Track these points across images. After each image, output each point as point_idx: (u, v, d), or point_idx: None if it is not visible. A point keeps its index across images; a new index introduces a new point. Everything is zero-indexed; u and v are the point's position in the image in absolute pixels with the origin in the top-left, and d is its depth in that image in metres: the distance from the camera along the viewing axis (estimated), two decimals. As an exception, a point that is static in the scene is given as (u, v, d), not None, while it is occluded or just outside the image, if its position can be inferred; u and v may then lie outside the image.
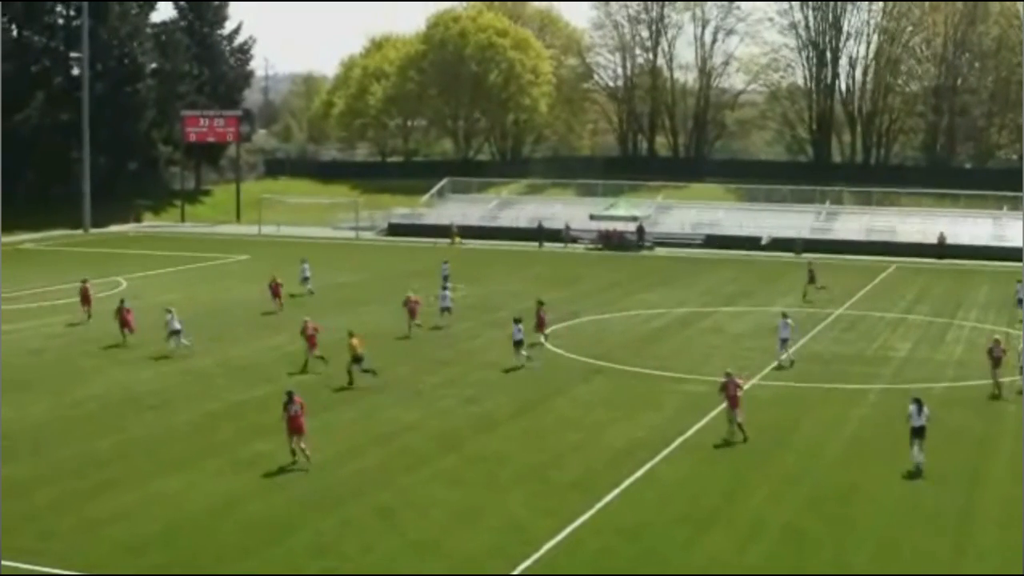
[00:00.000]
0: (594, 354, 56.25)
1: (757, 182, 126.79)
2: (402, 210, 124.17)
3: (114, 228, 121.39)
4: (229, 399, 47.33)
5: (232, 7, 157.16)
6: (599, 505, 34.44)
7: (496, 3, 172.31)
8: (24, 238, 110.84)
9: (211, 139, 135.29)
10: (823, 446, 40.97)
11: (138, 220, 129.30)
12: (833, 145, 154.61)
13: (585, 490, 35.71)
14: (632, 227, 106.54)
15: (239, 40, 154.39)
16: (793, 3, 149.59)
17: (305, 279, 76.62)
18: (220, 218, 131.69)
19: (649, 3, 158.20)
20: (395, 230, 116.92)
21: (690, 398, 47.76)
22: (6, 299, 69.83)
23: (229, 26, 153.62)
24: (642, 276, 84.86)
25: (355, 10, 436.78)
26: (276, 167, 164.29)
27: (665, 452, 39.72)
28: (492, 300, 73.93)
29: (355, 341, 50.34)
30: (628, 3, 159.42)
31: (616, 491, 35.65)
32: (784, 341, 54.83)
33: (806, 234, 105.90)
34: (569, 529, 32.58)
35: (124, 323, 59.02)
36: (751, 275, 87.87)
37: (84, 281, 68.21)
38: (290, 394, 39.25)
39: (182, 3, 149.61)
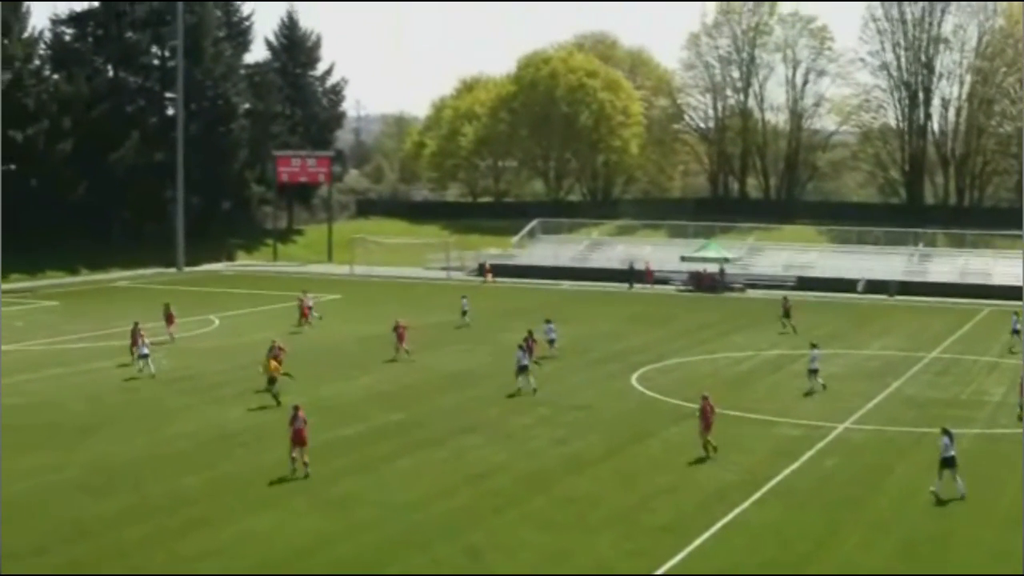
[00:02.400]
0: (685, 396, 55.99)
1: (849, 224, 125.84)
2: (493, 251, 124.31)
3: (207, 267, 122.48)
4: (318, 438, 47.35)
5: (325, 49, 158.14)
6: (689, 549, 34.23)
7: (587, 44, 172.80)
8: (118, 276, 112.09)
9: (303, 179, 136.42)
10: (917, 491, 40.37)
11: (231, 259, 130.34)
12: (926, 187, 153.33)
13: (675, 533, 35.52)
14: (724, 268, 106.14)
15: (331, 81, 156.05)
16: (884, 44, 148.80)
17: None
18: (312, 257, 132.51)
19: (740, 44, 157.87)
20: (486, 271, 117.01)
21: (781, 441, 47.45)
22: (100, 336, 70.48)
23: (321, 67, 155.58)
24: (733, 318, 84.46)
25: (446, 52, 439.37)
26: (367, 207, 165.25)
27: (756, 496, 39.42)
28: (583, 341, 73.78)
29: (274, 364, 54.80)
30: (719, 44, 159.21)
31: (706, 535, 35.41)
32: (814, 371, 57.76)
33: (899, 276, 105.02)
34: (659, 573, 32.41)
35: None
36: (843, 318, 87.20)
37: (167, 305, 73.56)
38: (296, 408, 42.03)
39: (275, 45, 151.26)
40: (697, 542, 34.76)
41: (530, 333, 62.98)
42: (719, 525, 36.30)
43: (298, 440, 41.49)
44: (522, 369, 57.01)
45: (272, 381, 54.49)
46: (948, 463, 39.06)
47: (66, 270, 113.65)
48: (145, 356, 60.94)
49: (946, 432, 39.70)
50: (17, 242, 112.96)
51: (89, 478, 41.13)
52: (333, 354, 68.48)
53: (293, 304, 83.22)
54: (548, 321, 69.48)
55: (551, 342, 67.91)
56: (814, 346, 59.70)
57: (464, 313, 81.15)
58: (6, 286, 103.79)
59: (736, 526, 36.43)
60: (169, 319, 73.35)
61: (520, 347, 58.36)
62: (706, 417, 44.77)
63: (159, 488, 39.91)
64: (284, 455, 43.25)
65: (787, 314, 79.54)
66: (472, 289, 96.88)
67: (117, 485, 40.23)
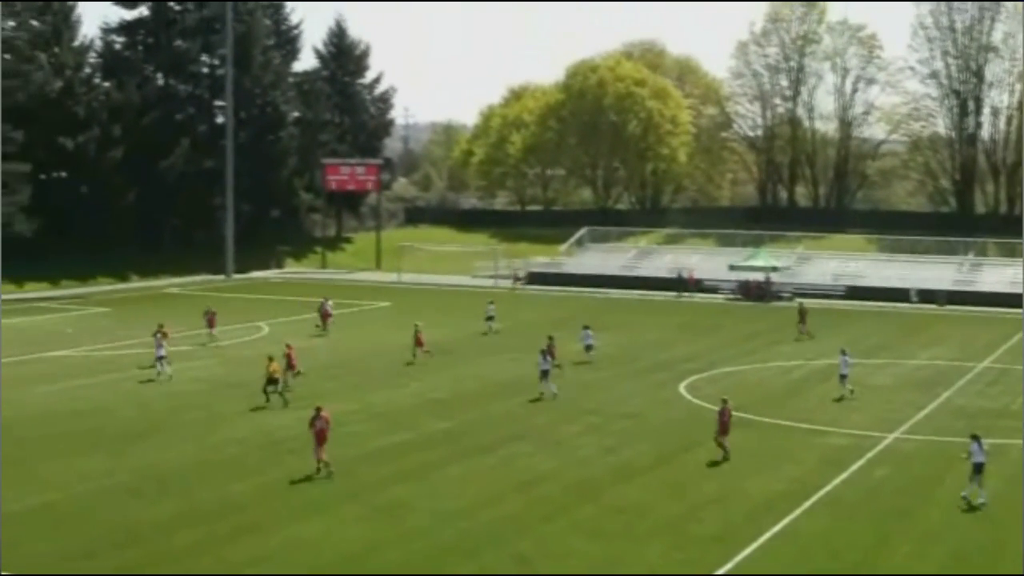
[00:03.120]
0: (734, 406, 55.67)
1: (899, 233, 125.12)
2: (541, 259, 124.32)
3: (256, 274, 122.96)
4: (368, 445, 47.61)
5: (373, 57, 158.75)
6: (738, 559, 34.14)
7: (635, 53, 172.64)
8: (168, 283, 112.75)
9: (352, 187, 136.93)
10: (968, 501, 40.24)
11: (280, 266, 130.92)
12: (976, 196, 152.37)
13: (724, 543, 35.42)
14: (772, 277, 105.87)
15: (380, 89, 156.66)
16: (934, 52, 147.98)
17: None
18: (360, 265, 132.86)
19: (789, 52, 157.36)
20: (534, 279, 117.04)
21: (830, 451, 47.26)
22: (150, 343, 70.74)
23: (370, 76, 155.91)
24: (781, 327, 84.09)
25: (494, 60, 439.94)
26: (416, 215, 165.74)
27: (805, 506, 39.27)
28: (632, 350, 73.79)
29: (274, 365, 55.66)
30: (768, 52, 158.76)
31: (755, 545, 35.30)
32: (843, 376, 58.74)
33: (949, 286, 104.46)
34: (708, 582, 32.37)
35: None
36: (893, 327, 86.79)
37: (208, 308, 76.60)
38: (318, 409, 42.94)
39: (324, 53, 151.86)
40: (746, 552, 34.67)
41: (551, 339, 62.94)
42: (768, 535, 36.18)
43: (319, 440, 42.36)
44: (544, 374, 57.88)
45: (272, 382, 55.42)
46: (979, 469, 39.33)
47: (117, 276, 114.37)
48: (162, 358, 62.10)
49: (975, 438, 39.91)
50: (68, 249, 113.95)
51: (139, 483, 41.35)
52: (382, 361, 68.60)
53: (349, 311, 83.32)
54: (586, 327, 70.23)
55: (588, 348, 68.76)
56: (844, 352, 59.97)
57: (490, 319, 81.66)
58: (58, 292, 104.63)
59: (785, 536, 36.31)
60: (210, 321, 75.90)
61: (542, 352, 58.92)
62: (723, 422, 45.66)
63: (208, 494, 40.08)
64: (334, 462, 43.39)
65: (802, 320, 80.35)
66: (501, 296, 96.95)
67: (167, 491, 40.44)
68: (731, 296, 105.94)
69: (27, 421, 51.77)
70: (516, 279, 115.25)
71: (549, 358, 58.81)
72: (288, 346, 61.22)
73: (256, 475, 42.61)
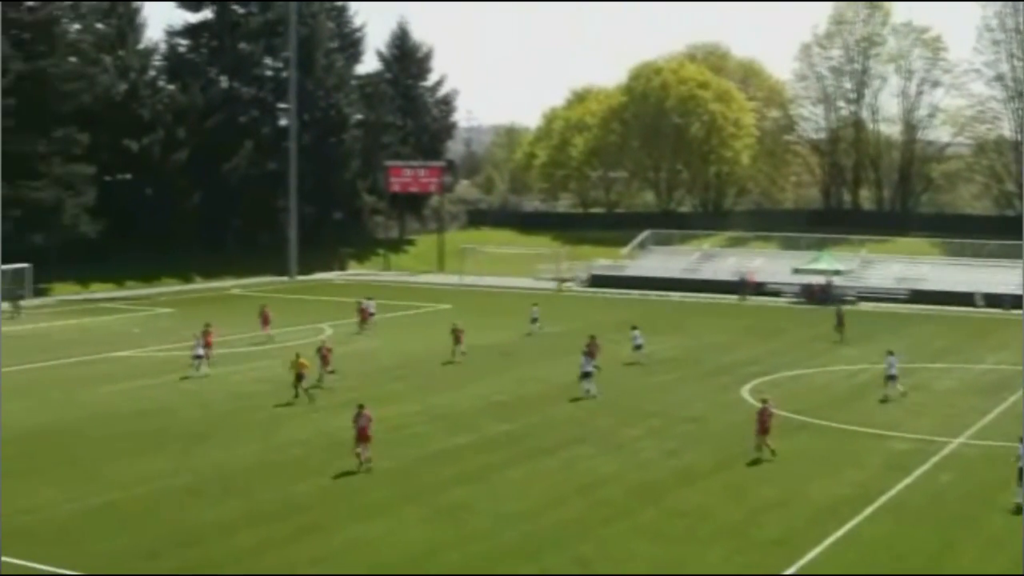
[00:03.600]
0: (796, 409, 55.58)
1: (964, 236, 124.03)
2: (604, 261, 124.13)
3: (319, 275, 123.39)
4: (430, 447, 47.68)
5: (436, 60, 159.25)
6: (800, 563, 33.96)
7: (698, 55, 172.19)
8: (232, 284, 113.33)
9: (414, 189, 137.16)
10: (1033, 507, 39.90)
11: (343, 268, 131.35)
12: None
13: (786, 547, 35.26)
14: (835, 281, 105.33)
15: (442, 92, 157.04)
16: (1000, 54, 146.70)
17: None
18: (423, 267, 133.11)
19: (853, 55, 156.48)
20: (597, 281, 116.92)
21: (894, 456, 46.96)
22: (218, 343, 71.23)
23: (432, 78, 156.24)
24: (846, 331, 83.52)
25: (557, 62, 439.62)
26: (478, 217, 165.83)
27: (868, 511, 39.01)
28: (694, 353, 73.64)
29: (302, 361, 56.63)
30: (831, 55, 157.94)
31: (817, 549, 35.10)
32: (892, 377, 58.82)
33: (1014, 290, 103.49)
34: (770, 586, 32.23)
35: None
36: (958, 331, 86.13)
37: (263, 306, 78.37)
38: (360, 407, 44.11)
39: (387, 56, 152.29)
40: (808, 556, 34.49)
41: (593, 338, 63.53)
42: (831, 539, 35.96)
43: (362, 437, 43.30)
44: (585, 375, 58.27)
45: (300, 378, 56.28)
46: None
47: (181, 277, 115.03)
48: (199, 357, 63.28)
49: None
50: (133, 250, 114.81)
51: (202, 484, 41.58)
52: (444, 363, 68.69)
53: (412, 313, 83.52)
54: (634, 328, 70.43)
55: (637, 348, 69.03)
56: (891, 353, 60.00)
57: (534, 320, 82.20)
58: (124, 293, 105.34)
59: (848, 541, 36.08)
60: (264, 321, 77.18)
61: (584, 353, 59.58)
62: (763, 422, 46.14)
63: (271, 494, 40.24)
64: (396, 464, 43.66)
65: (840, 323, 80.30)
66: (545, 299, 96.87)
67: (229, 491, 40.63)
68: (794, 299, 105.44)
69: (91, 421, 52.19)
70: (561, 281, 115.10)
71: (590, 359, 59.20)
72: (324, 343, 62.90)
73: (318, 476, 42.73)
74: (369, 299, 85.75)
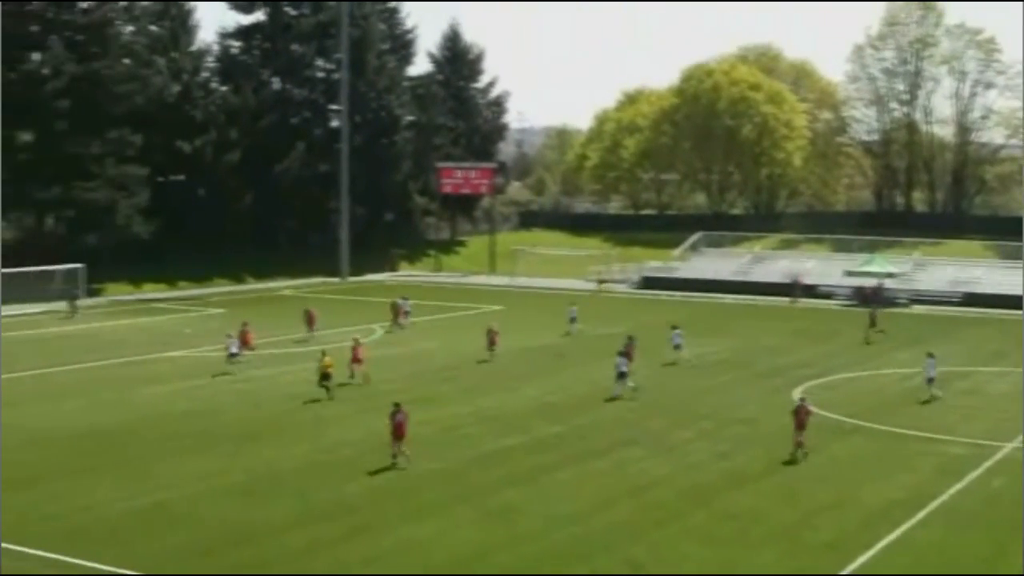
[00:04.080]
0: (849, 412, 55.34)
1: (1017, 239, 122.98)
2: (655, 263, 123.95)
3: (370, 276, 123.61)
4: (481, 448, 47.70)
5: (487, 61, 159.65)
6: (852, 567, 33.78)
7: (750, 56, 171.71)
8: (283, 284, 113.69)
9: (466, 191, 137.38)
10: (1088, 512, 39.55)
11: (394, 269, 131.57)
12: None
13: (838, 551, 35.08)
14: (887, 283, 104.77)
15: (494, 93, 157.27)
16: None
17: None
18: (474, 268, 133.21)
19: (906, 56, 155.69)
20: (648, 283, 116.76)
21: (947, 460, 46.68)
22: (264, 344, 71.50)
23: (484, 80, 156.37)
24: (897, 334, 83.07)
25: (609, 64, 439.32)
26: (529, 219, 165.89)
27: (921, 515, 38.77)
28: (747, 355, 73.41)
29: (328, 360, 57.73)
30: (884, 56, 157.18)
31: (870, 553, 34.91)
32: (930, 380, 58.94)
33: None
34: (822, 590, 32.06)
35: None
36: (1012, 335, 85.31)
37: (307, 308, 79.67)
38: (397, 405, 44.56)
39: (439, 58, 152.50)
40: (860, 560, 34.31)
41: (631, 339, 64.21)
42: (883, 543, 35.76)
43: (398, 435, 44.00)
44: (621, 376, 58.55)
45: (325, 376, 57.11)
46: None
47: (232, 278, 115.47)
48: (234, 355, 64.63)
49: None
50: (185, 250, 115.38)
51: (253, 484, 41.72)
52: (494, 365, 68.74)
53: (463, 314, 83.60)
54: (675, 327, 70.83)
55: (676, 348, 69.51)
56: (930, 356, 60.07)
57: (572, 321, 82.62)
58: (176, 293, 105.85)
59: (900, 545, 35.88)
60: (310, 321, 77.90)
61: (620, 353, 59.76)
62: (800, 419, 46.46)
63: (322, 495, 40.33)
64: (447, 465, 43.79)
65: (873, 323, 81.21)
66: (596, 300, 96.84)
67: (281, 491, 40.76)
68: (846, 302, 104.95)
69: (144, 421, 52.45)
70: (600, 282, 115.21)
71: (626, 359, 59.54)
72: (356, 340, 63.60)
73: (369, 476, 42.81)
74: (404, 298, 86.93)
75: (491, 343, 71.04)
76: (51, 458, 45.20)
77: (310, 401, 56.38)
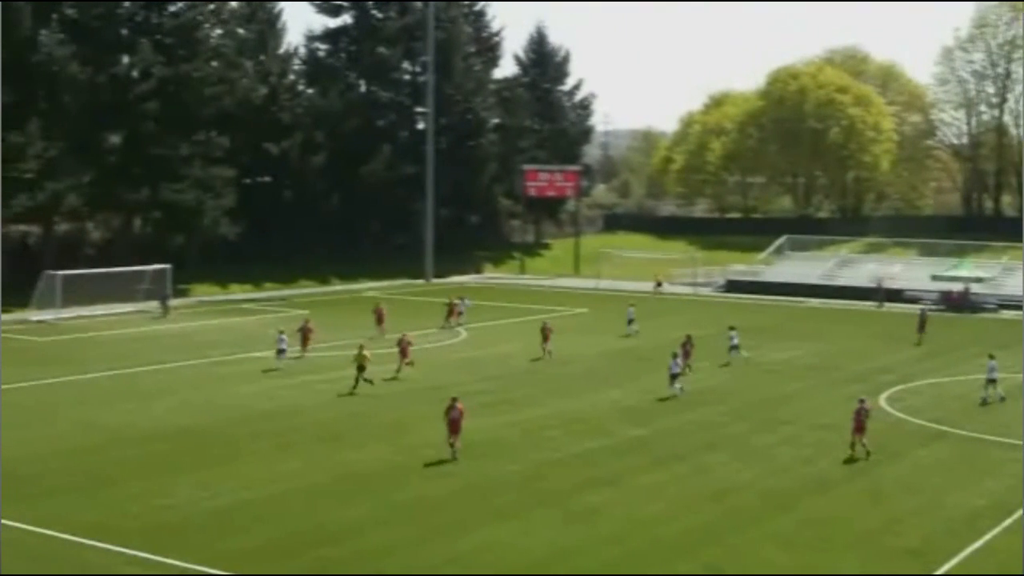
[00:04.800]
0: (933, 418, 54.88)
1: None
2: (740, 267, 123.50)
3: (454, 278, 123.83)
4: (562, 450, 47.67)
5: (574, 64, 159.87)
6: (936, 574, 33.49)
7: (837, 59, 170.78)
8: (368, 286, 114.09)
9: (551, 194, 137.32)
10: None
11: (478, 271, 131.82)
12: None
13: (922, 557, 34.78)
14: (974, 288, 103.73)
15: (580, 96, 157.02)
16: None
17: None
18: (558, 271, 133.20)
19: (995, 59, 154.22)
20: (733, 287, 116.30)
21: (1034, 466, 46.19)
22: (347, 345, 71.76)
23: (570, 82, 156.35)
24: (984, 339, 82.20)
25: (695, 67, 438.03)
26: (614, 222, 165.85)
27: (1007, 522, 38.32)
28: (831, 360, 72.92)
29: (365, 353, 59.93)
30: (973, 59, 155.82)
31: (954, 561, 34.57)
32: (992, 381, 59.19)
33: None
34: (905, 597, 31.80)
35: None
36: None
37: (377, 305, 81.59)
38: (454, 400, 46.15)
39: (524, 60, 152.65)
40: (944, 568, 33.99)
41: (688, 338, 66.80)
42: (968, 551, 35.41)
43: (453, 429, 45.36)
44: (674, 377, 59.62)
45: (361, 369, 59.64)
46: None
47: (317, 279, 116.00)
48: (283, 351, 66.50)
49: None
50: (271, 251, 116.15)
51: (334, 484, 41.89)
52: (577, 367, 68.72)
53: (547, 317, 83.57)
54: (732, 328, 72.02)
55: (733, 348, 70.42)
56: (992, 357, 60.53)
57: (630, 322, 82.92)
58: (261, 294, 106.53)
59: (985, 553, 35.50)
60: (379, 319, 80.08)
61: (674, 355, 60.98)
62: (859, 420, 46.80)
63: (402, 495, 40.45)
64: (528, 467, 43.84)
65: (922, 327, 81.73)
66: (642, 300, 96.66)
67: (361, 491, 40.90)
68: (933, 306, 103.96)
69: (228, 420, 52.82)
70: (658, 284, 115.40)
71: (680, 361, 61.06)
72: (404, 336, 65.65)
73: (449, 478, 42.89)
74: (461, 298, 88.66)
75: (545, 339, 72.06)
76: (136, 456, 45.64)
77: (412, 406, 56.35)
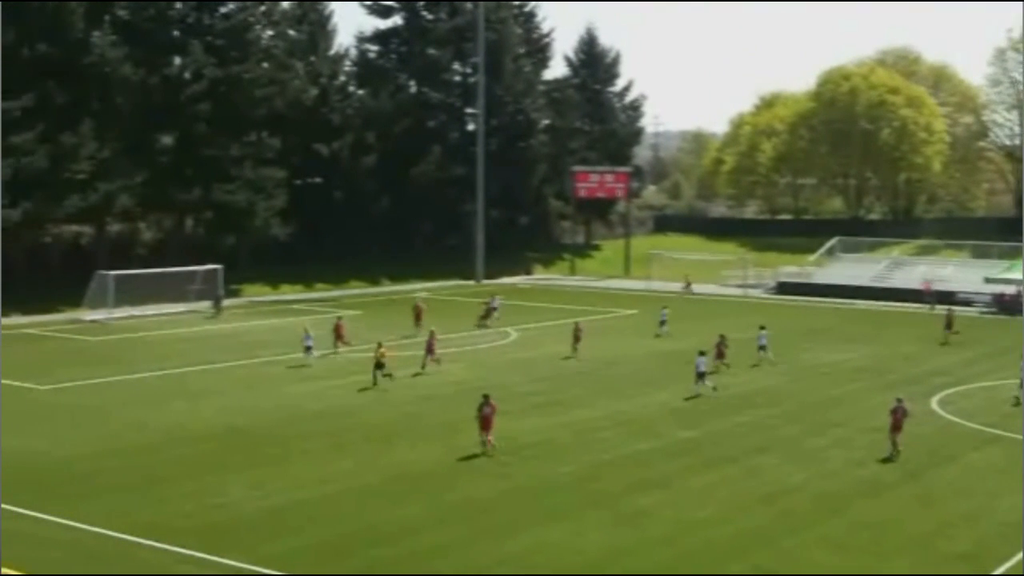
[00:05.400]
0: (987, 421, 54.55)
1: None
2: (791, 268, 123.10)
3: (505, 280, 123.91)
4: (613, 452, 47.63)
5: (624, 65, 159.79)
6: (989, 578, 33.40)
7: (888, 60, 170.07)
8: (419, 287, 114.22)
9: (601, 195, 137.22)
10: None
11: (528, 272, 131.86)
12: None
13: (974, 562, 34.57)
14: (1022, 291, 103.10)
15: (630, 97, 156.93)
16: None
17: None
18: (609, 272, 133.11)
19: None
20: (784, 289, 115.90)
21: (1088, 470, 45.82)
22: (398, 346, 71.97)
23: (620, 83, 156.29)
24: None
25: (746, 68, 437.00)
26: (664, 223, 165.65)
27: (1060, 526, 38.13)
28: (882, 362, 72.59)
29: (382, 350, 61.78)
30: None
31: (1006, 565, 34.34)
32: None
33: None
34: (957, 601, 31.64)
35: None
36: None
37: (417, 304, 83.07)
38: (486, 397, 47.20)
39: (575, 61, 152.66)
40: (997, 572, 33.79)
41: (722, 338, 67.94)
42: (1020, 556, 35.13)
43: (486, 426, 46.53)
44: (700, 376, 60.25)
45: (380, 366, 61.25)
46: None
47: (368, 280, 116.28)
48: (309, 348, 68.59)
49: None
50: (322, 252, 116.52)
51: (386, 484, 41.97)
52: (629, 368, 68.67)
53: (597, 318, 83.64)
54: (762, 328, 72.27)
55: (761, 348, 70.72)
56: None
57: (662, 323, 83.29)
58: (312, 294, 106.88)
59: (1038, 557, 35.32)
60: (418, 317, 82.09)
61: (700, 353, 61.26)
62: (896, 419, 47.45)
63: (454, 496, 40.52)
64: (579, 468, 43.87)
65: (949, 326, 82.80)
66: (672, 300, 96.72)
67: (413, 492, 40.95)
68: (985, 309, 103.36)
69: (279, 420, 53.01)
70: (688, 284, 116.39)
71: (707, 359, 61.48)
72: (432, 332, 67.88)
73: (501, 479, 42.94)
74: (493, 296, 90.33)
75: (576, 340, 73.19)
76: (188, 456, 45.87)
77: (503, 413, 56.25)
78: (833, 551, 35.43)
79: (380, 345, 62.20)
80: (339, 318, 74.27)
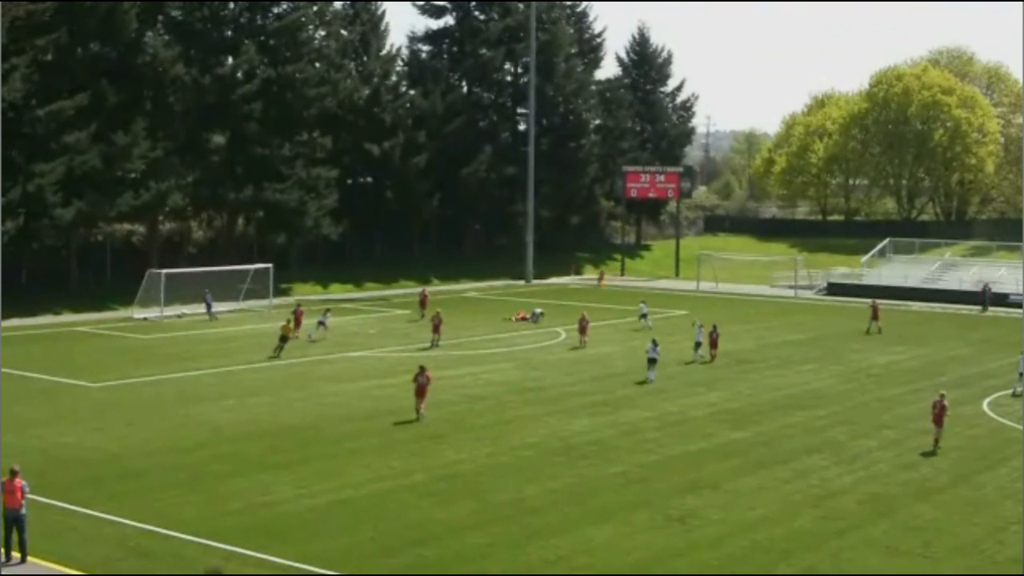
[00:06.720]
0: (948, 401, 54.22)
1: None
2: (842, 269, 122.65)
3: (554, 280, 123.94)
4: (662, 452, 47.53)
5: (676, 65, 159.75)
6: (1040, 582, 33.14)
7: (942, 60, 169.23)
8: (469, 287, 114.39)
9: (652, 195, 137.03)
10: None
11: (578, 272, 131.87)
12: None
13: (1025, 565, 34.42)
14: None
15: (682, 97, 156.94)
16: None
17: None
18: (659, 273, 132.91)
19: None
20: (835, 290, 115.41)
21: None
22: (447, 345, 72.04)
23: (672, 83, 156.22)
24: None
25: (798, 69, 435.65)
26: (715, 223, 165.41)
27: (1113, 531, 37.81)
28: (934, 365, 72.23)
29: (287, 324, 72.11)
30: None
31: (1059, 570, 34.17)
32: None
33: None
34: (1008, 605, 31.44)
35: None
36: None
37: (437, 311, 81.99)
38: (422, 368, 53.00)
39: (626, 61, 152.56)
40: (1050, 577, 33.60)
41: (714, 327, 72.44)
42: (1073, 560, 34.96)
43: (420, 393, 52.54)
44: (651, 362, 64.16)
45: (283, 339, 69.05)
46: None
47: (418, 280, 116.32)
48: (322, 323, 78.12)
49: None
50: (372, 251, 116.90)
51: (434, 484, 41.99)
52: (678, 369, 68.47)
53: (629, 320, 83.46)
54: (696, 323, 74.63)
55: (697, 345, 72.66)
56: None
57: (643, 316, 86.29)
58: (361, 294, 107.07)
59: (1090, 561, 35.04)
60: (422, 303, 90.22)
61: (654, 341, 65.94)
62: (936, 414, 48.92)
63: (502, 496, 40.50)
64: (628, 469, 43.88)
65: (984, 306, 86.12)
66: (714, 302, 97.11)
67: (461, 492, 40.98)
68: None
69: (327, 419, 53.09)
70: (717, 282, 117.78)
71: (658, 348, 65.02)
72: (437, 313, 77.02)
73: (549, 479, 42.88)
74: (533, 313, 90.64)
75: (582, 331, 76.26)
76: (237, 453, 46.03)
77: (552, 414, 56.09)
78: (883, 554, 35.25)
79: (288, 321, 72.37)
80: (299, 304, 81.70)
